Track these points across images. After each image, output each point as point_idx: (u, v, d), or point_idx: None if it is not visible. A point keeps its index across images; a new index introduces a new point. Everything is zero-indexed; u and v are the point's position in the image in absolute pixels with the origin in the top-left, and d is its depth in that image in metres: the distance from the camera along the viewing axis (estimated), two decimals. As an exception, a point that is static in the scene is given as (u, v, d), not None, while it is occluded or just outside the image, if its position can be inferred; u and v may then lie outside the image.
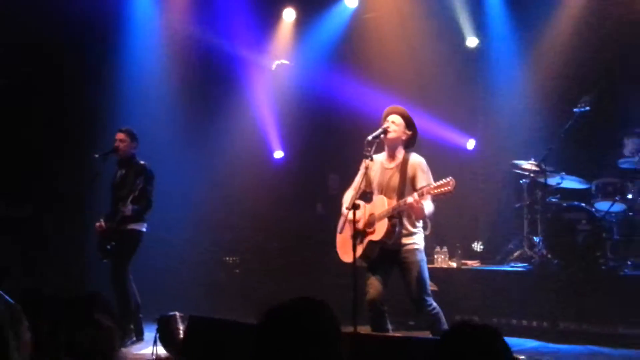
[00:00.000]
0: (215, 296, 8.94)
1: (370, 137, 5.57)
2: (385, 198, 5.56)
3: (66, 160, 9.31)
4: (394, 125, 5.66)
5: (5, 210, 9.27)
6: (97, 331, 2.90)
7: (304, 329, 2.00)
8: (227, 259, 9.79)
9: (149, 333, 6.85)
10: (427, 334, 5.77)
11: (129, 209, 7.06)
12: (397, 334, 5.57)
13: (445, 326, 5.59)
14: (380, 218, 5.50)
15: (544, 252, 7.69)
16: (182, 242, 9.52)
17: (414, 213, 5.42)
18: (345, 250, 5.57)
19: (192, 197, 9.61)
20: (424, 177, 5.49)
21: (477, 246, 8.72)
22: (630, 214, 7.69)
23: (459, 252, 8.35)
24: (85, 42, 9.37)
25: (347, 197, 5.74)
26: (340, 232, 5.71)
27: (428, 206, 5.38)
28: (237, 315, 6.64)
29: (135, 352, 6.60)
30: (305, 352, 1.97)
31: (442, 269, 8.01)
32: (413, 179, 5.53)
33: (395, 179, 5.59)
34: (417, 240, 5.58)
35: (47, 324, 3.35)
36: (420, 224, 5.63)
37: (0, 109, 9.14)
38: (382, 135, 5.63)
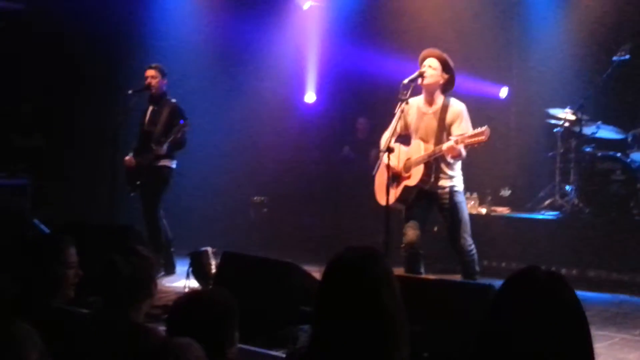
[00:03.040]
0: (243, 234, 9.03)
1: (406, 81, 5.50)
2: (421, 143, 5.52)
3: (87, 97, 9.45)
4: (431, 69, 5.56)
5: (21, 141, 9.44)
6: (139, 260, 2.94)
7: (374, 273, 2.11)
8: (256, 198, 9.83)
9: (181, 267, 6.98)
10: (457, 278, 5.81)
11: (164, 149, 7.11)
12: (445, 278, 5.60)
13: (478, 269, 5.63)
14: (417, 163, 5.48)
15: (576, 201, 7.64)
16: (211, 182, 9.57)
17: (452, 155, 5.39)
18: (381, 193, 5.56)
19: (220, 137, 9.61)
20: (462, 126, 5.42)
21: (506, 193, 8.65)
22: (667, 165, 7.58)
23: (489, 198, 8.31)
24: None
25: (385, 139, 5.70)
26: (374, 174, 5.69)
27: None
28: (265, 252, 6.73)
29: (167, 285, 6.72)
30: (375, 296, 2.07)
31: (471, 215, 7.94)
32: (451, 126, 5.47)
33: (433, 124, 5.54)
34: (455, 182, 5.59)
35: (89, 251, 3.41)
36: (458, 166, 5.61)
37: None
38: (418, 80, 5.55)
